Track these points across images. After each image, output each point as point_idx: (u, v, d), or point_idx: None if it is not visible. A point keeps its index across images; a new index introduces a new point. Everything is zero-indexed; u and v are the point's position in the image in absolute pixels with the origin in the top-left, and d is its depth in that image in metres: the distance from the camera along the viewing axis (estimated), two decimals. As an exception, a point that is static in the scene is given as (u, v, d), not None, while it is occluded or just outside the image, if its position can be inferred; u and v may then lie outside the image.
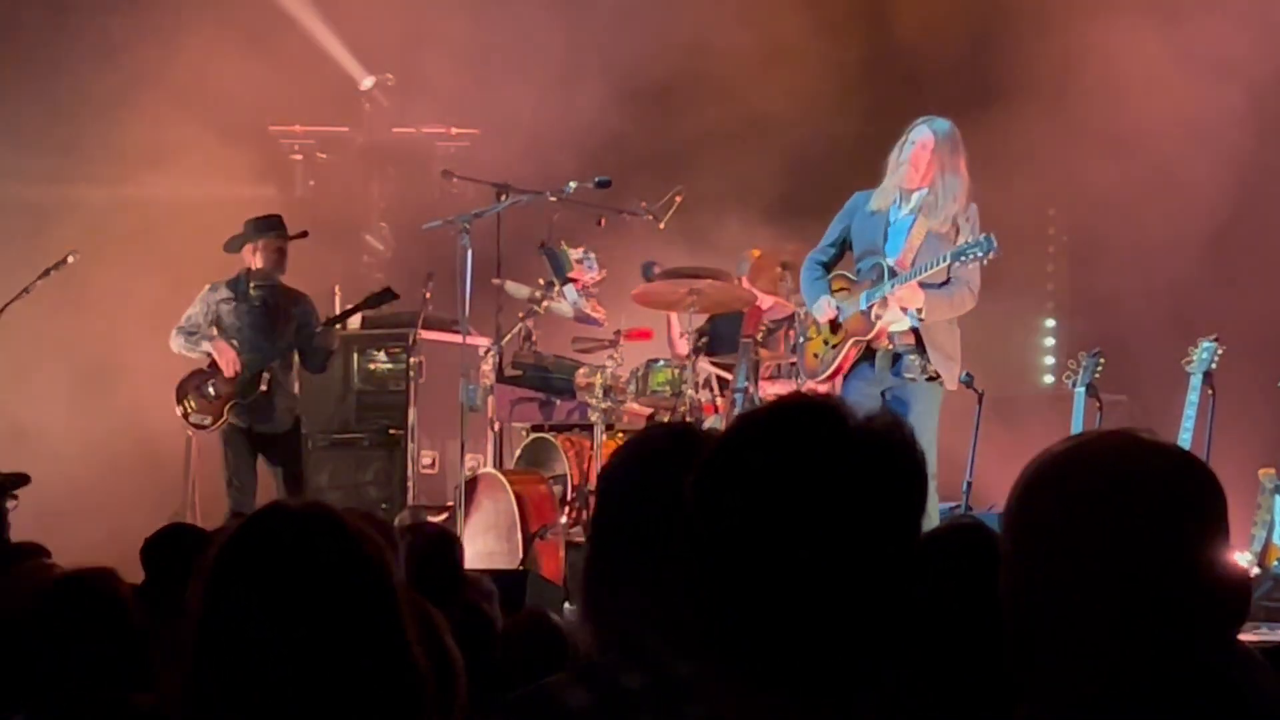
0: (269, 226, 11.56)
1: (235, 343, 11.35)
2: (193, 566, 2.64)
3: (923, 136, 9.17)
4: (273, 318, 11.43)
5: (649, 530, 2.64)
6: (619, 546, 2.72)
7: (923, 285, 9.13)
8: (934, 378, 9.24)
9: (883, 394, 9.24)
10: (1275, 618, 9.83)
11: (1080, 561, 2.27)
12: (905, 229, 9.25)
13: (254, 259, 11.46)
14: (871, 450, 2.17)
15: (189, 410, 11.41)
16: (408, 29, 14.51)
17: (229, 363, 11.27)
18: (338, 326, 11.57)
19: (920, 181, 9.18)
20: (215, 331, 11.39)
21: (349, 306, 11.77)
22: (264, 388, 11.30)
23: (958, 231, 9.18)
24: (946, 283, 9.20)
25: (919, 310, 9.14)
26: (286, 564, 2.58)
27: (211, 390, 11.33)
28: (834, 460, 2.14)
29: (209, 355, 11.35)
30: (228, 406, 11.30)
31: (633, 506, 2.73)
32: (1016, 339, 13.43)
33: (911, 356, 9.20)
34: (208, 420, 11.36)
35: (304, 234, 11.63)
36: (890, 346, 9.26)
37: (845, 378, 9.45)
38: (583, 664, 2.70)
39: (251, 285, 11.42)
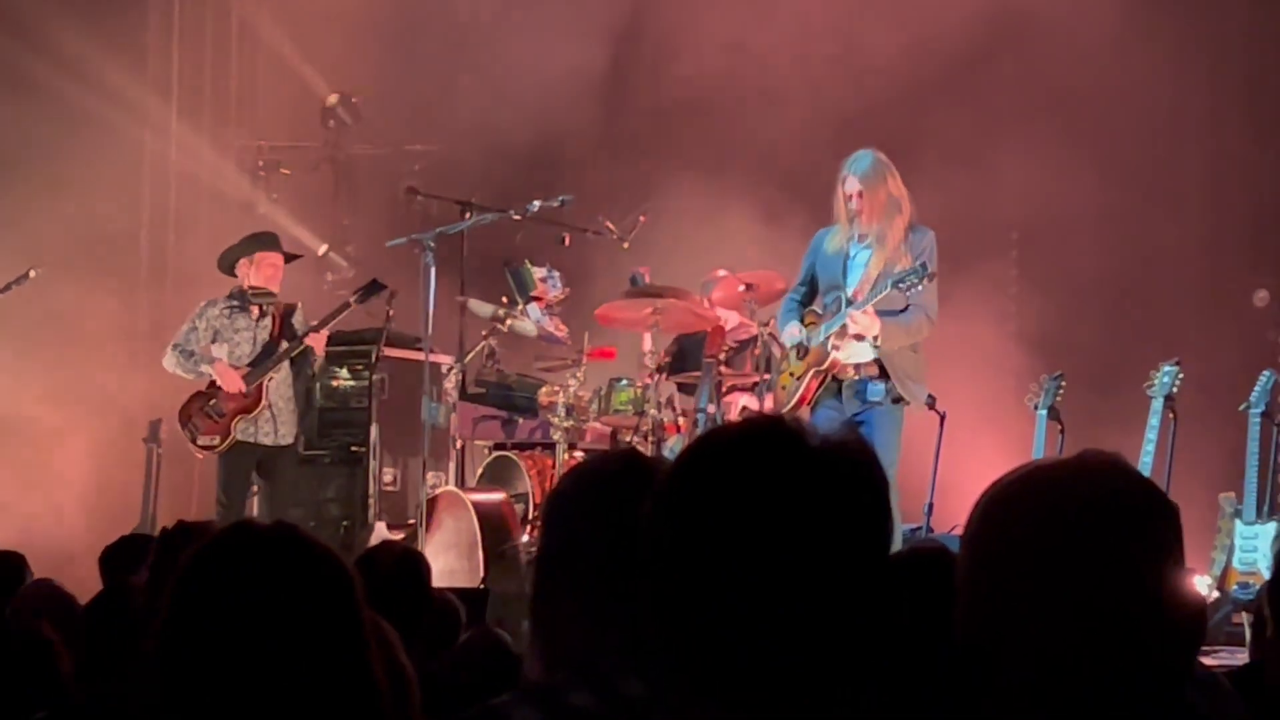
0: (266, 242, 11.55)
1: (235, 356, 11.31)
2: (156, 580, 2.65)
3: (851, 187, 9.56)
4: (273, 330, 11.42)
5: (596, 552, 2.65)
6: (566, 568, 2.73)
7: (881, 314, 9.44)
8: (898, 399, 9.55)
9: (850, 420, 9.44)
10: (1236, 641, 9.85)
11: (1035, 587, 2.27)
12: (863, 263, 9.61)
13: (249, 273, 11.42)
14: (831, 469, 2.16)
15: (195, 433, 11.35)
16: (372, 45, 14.49)
17: (232, 381, 11.23)
18: (325, 332, 11.50)
19: (867, 221, 9.55)
20: (213, 350, 11.35)
21: (339, 305, 11.67)
22: (270, 400, 11.29)
23: (912, 258, 9.50)
24: (905, 309, 9.50)
25: (875, 338, 9.43)
26: (252, 583, 2.57)
27: (217, 409, 11.28)
28: (792, 480, 2.14)
29: (206, 378, 11.32)
30: (235, 423, 11.26)
31: (580, 530, 2.73)
32: (978, 360, 13.43)
33: (877, 383, 9.47)
34: (216, 440, 11.30)
35: (299, 256, 11.63)
36: (856, 376, 9.54)
37: (812, 408, 9.68)
38: (531, 684, 2.70)
39: (251, 297, 11.39)
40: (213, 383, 11.33)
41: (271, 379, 11.35)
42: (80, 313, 13.49)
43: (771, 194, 13.11)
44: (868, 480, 2.19)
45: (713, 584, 2.12)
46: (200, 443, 11.35)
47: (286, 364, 11.43)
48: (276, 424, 11.37)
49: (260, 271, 11.44)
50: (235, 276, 11.51)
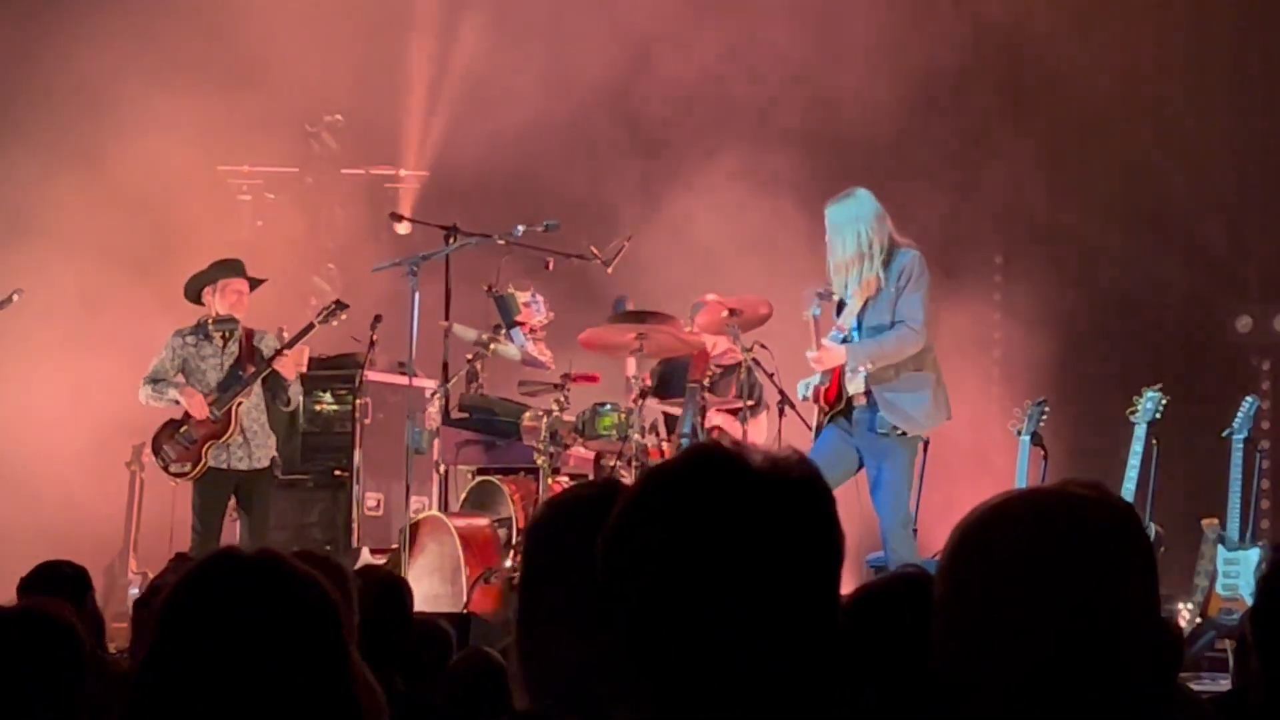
0: (230, 268, 11.51)
1: (204, 384, 11.29)
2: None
3: (826, 234, 9.79)
4: (238, 356, 11.39)
5: (577, 580, 2.65)
6: (548, 598, 2.73)
7: (872, 331, 9.64)
8: (903, 433, 9.66)
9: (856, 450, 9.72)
10: (1219, 667, 9.85)
11: (1008, 614, 2.27)
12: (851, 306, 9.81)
13: (213, 300, 11.40)
14: (772, 490, 2.17)
15: (167, 461, 11.33)
16: (356, 69, 14.51)
17: (198, 406, 11.20)
18: (289, 353, 11.44)
19: (834, 271, 9.80)
20: (183, 378, 11.33)
21: (303, 327, 11.63)
22: (239, 426, 11.26)
23: (887, 281, 9.67)
24: (891, 326, 9.62)
25: (859, 367, 9.59)
26: (236, 612, 2.57)
27: (188, 436, 11.26)
28: (734, 504, 2.15)
29: (177, 403, 11.30)
30: (206, 449, 11.23)
31: (558, 559, 2.74)
32: (962, 385, 13.46)
33: (880, 414, 9.61)
34: (188, 467, 11.26)
35: (263, 280, 11.60)
36: (865, 404, 9.67)
37: (822, 430, 9.87)
38: (519, 713, 2.69)
39: (212, 326, 11.36)
40: (186, 411, 11.30)
41: (241, 404, 11.31)
42: (63, 334, 13.47)
43: (760, 218, 13.13)
44: (810, 498, 2.20)
45: (666, 615, 2.13)
46: (172, 470, 11.33)
47: (258, 388, 11.39)
48: (250, 448, 11.33)
49: (225, 298, 11.39)
50: (202, 304, 11.48)
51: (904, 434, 9.64)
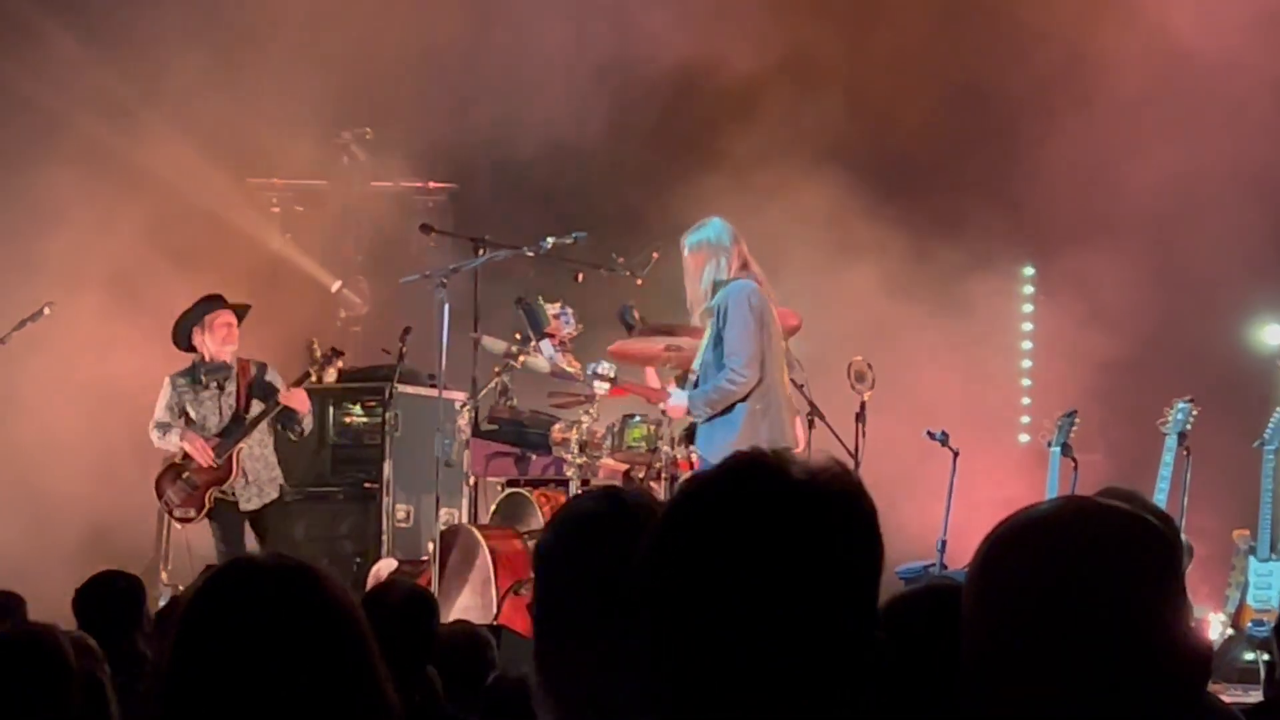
0: (212, 303, 11.41)
1: (204, 429, 11.28)
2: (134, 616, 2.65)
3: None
4: (235, 398, 11.37)
5: (591, 597, 2.65)
6: (564, 617, 2.73)
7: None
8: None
9: None
10: (1250, 679, 9.82)
11: (1037, 625, 2.27)
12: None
13: (204, 341, 11.35)
14: (816, 501, 2.17)
15: (171, 505, 11.35)
16: (386, 81, 14.53)
17: (200, 452, 11.20)
18: (296, 390, 11.44)
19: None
20: (183, 422, 11.33)
21: (300, 375, 11.60)
22: (243, 468, 11.26)
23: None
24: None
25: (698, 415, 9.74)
26: (257, 615, 2.57)
27: (191, 482, 11.27)
28: (778, 515, 2.15)
29: (182, 448, 11.31)
30: (209, 494, 11.24)
31: (571, 577, 2.74)
32: (992, 396, 13.44)
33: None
34: (192, 512, 11.29)
35: (247, 306, 11.54)
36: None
37: None
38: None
39: (204, 375, 11.33)
40: (186, 453, 11.30)
41: (241, 449, 11.32)
42: (91, 352, 13.49)
43: (789, 229, 13.12)
44: (854, 510, 2.20)
45: (708, 626, 2.13)
46: (177, 515, 11.37)
47: (263, 425, 11.39)
48: (254, 488, 11.33)
49: (215, 335, 11.32)
50: (194, 350, 11.44)
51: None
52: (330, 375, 11.65)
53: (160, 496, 11.38)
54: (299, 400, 11.31)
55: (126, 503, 13.00)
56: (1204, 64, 12.83)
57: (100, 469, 13.17)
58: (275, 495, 11.47)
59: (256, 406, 11.36)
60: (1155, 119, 12.97)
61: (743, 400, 9.59)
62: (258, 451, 11.37)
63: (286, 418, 11.40)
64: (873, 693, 2.18)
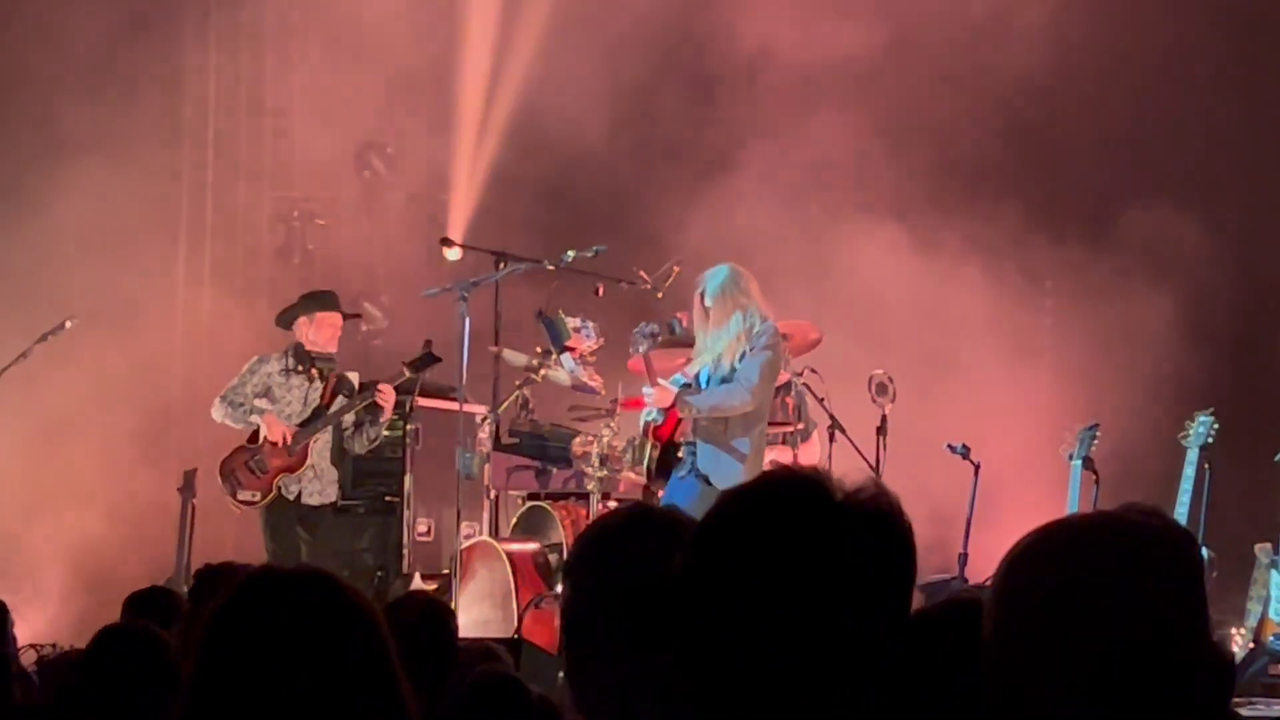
0: (326, 302, 11.54)
1: (283, 416, 11.30)
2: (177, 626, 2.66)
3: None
4: (324, 393, 11.41)
5: (620, 610, 2.67)
6: (594, 629, 2.75)
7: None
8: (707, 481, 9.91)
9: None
10: (1273, 693, 9.80)
11: (1059, 640, 2.27)
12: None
13: (308, 332, 11.42)
14: (856, 522, 2.18)
15: (236, 487, 11.33)
16: (406, 94, 14.55)
17: (280, 433, 11.21)
18: (385, 388, 11.44)
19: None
20: (264, 404, 11.34)
21: (395, 373, 11.60)
22: (314, 460, 11.29)
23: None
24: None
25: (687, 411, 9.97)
26: (281, 626, 2.58)
27: (260, 465, 11.28)
28: (816, 534, 2.16)
29: (254, 427, 11.32)
30: (277, 480, 11.26)
31: (601, 590, 2.76)
32: (1013, 410, 13.42)
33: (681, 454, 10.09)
34: (257, 496, 11.29)
35: (358, 315, 11.64)
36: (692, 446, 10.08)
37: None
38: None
39: (315, 359, 11.38)
40: (255, 435, 11.32)
41: (317, 440, 11.36)
42: (115, 364, 13.51)
43: (808, 245, 13.12)
44: (892, 532, 2.22)
45: (742, 641, 2.15)
46: (240, 497, 11.34)
47: (333, 426, 11.42)
48: (320, 484, 11.39)
49: (320, 331, 11.44)
50: (292, 332, 11.52)
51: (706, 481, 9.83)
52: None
53: (225, 477, 11.35)
54: (388, 398, 11.33)
55: (147, 513, 13.03)
56: None
57: (125, 474, 13.21)
58: (334, 497, 11.50)
59: (338, 404, 11.40)
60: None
61: (743, 436, 9.86)
62: (325, 451, 11.44)
63: (371, 419, 11.41)
64: (885, 697, 2.19)
